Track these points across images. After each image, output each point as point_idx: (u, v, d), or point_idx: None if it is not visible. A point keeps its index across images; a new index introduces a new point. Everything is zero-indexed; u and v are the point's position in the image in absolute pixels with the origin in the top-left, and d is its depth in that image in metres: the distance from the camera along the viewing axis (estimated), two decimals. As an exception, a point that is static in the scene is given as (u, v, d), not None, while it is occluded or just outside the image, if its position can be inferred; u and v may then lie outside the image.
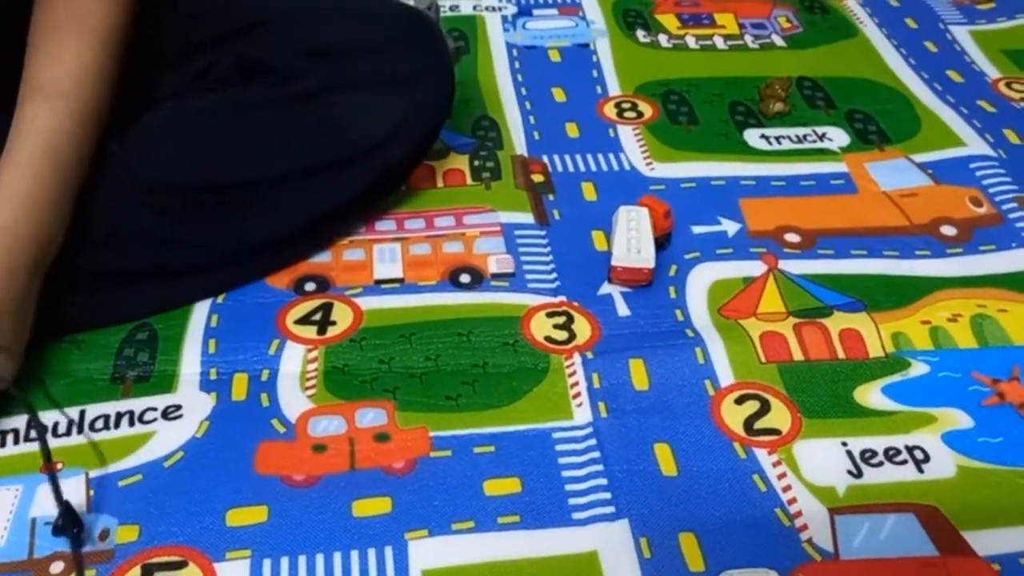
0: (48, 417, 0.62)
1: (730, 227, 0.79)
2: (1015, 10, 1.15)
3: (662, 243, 0.75)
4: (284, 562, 0.54)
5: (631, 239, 0.72)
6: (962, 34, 1.09)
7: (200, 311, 0.70)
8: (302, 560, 0.54)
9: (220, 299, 0.71)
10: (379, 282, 0.72)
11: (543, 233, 0.78)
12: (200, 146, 0.68)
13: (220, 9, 0.72)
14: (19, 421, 0.61)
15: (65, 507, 0.54)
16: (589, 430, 0.62)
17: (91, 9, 0.61)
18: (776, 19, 1.09)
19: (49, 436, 0.60)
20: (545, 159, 0.87)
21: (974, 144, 0.89)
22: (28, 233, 0.58)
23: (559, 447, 0.61)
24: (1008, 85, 0.99)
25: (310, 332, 0.68)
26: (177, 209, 0.67)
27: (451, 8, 1.09)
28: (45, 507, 0.56)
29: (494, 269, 0.74)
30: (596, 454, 0.60)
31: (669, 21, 1.08)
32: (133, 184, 0.65)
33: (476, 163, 0.85)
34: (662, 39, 1.05)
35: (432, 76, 0.71)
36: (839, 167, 0.87)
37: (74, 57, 0.60)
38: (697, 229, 0.79)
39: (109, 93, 0.62)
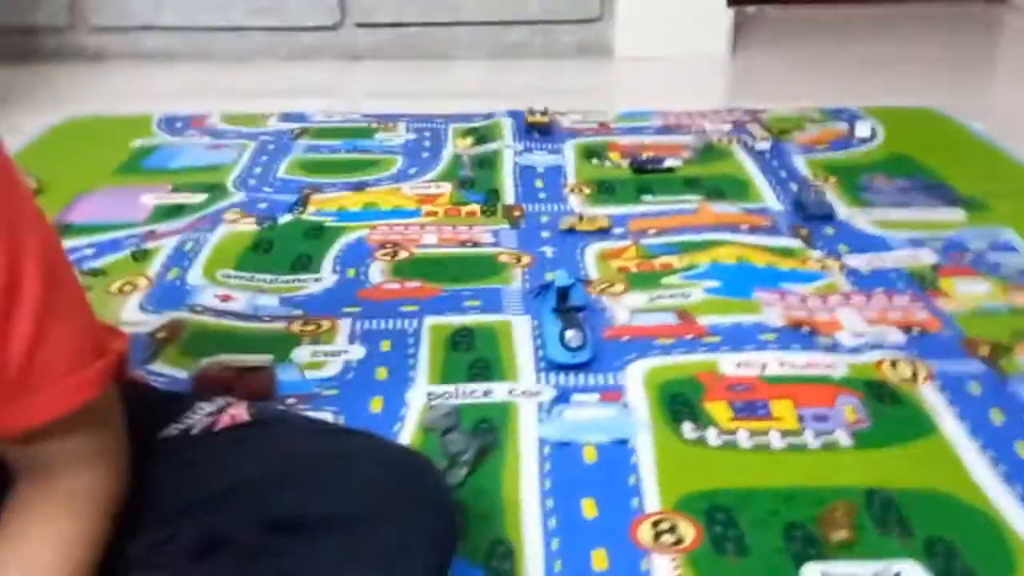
0: None
1: None
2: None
3: None
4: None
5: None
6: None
7: None
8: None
9: None
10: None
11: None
12: None
13: (183, 476, 0.63)
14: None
15: None
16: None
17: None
18: (841, 408, 0.88)
19: None
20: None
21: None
22: None
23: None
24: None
25: None
26: None
27: (485, 393, 0.92)
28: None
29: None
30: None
31: (720, 411, 0.89)
32: None
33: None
34: (711, 435, 0.86)
35: (424, 548, 0.59)
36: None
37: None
38: None
39: None
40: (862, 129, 1.62)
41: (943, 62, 2.19)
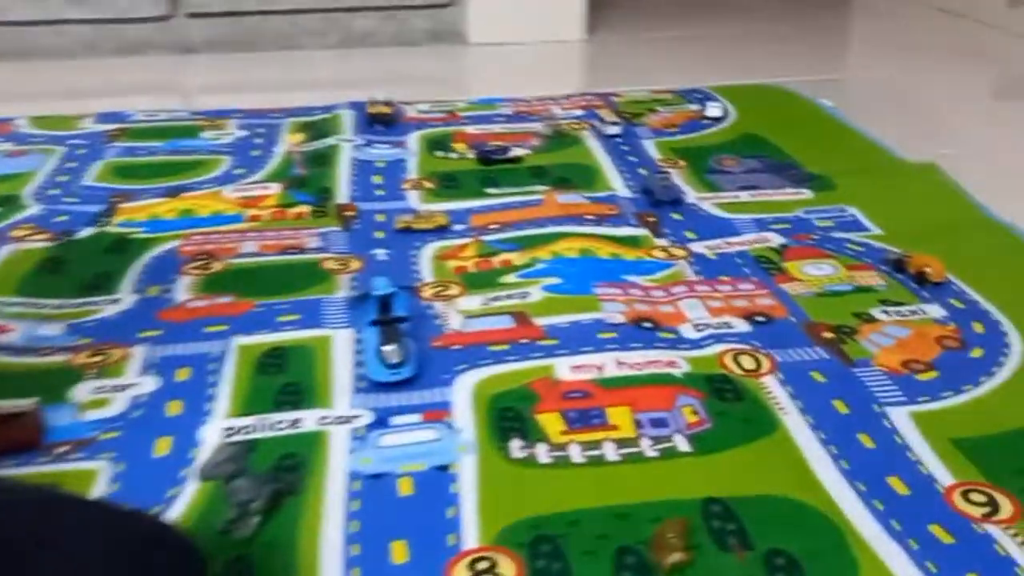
0: None
1: None
2: (962, 379, 0.87)
3: None
4: None
5: None
6: (902, 419, 0.82)
7: None
8: None
9: None
10: None
11: None
12: None
13: None
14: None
15: None
16: None
17: None
18: (680, 411, 0.82)
19: None
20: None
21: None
22: None
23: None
24: (966, 495, 0.73)
25: None
26: None
27: (292, 423, 0.80)
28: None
29: None
30: None
31: (552, 424, 0.81)
32: None
33: None
34: (541, 451, 0.78)
35: None
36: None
37: None
38: None
39: None
40: (713, 109, 1.59)
41: (797, 40, 2.19)
